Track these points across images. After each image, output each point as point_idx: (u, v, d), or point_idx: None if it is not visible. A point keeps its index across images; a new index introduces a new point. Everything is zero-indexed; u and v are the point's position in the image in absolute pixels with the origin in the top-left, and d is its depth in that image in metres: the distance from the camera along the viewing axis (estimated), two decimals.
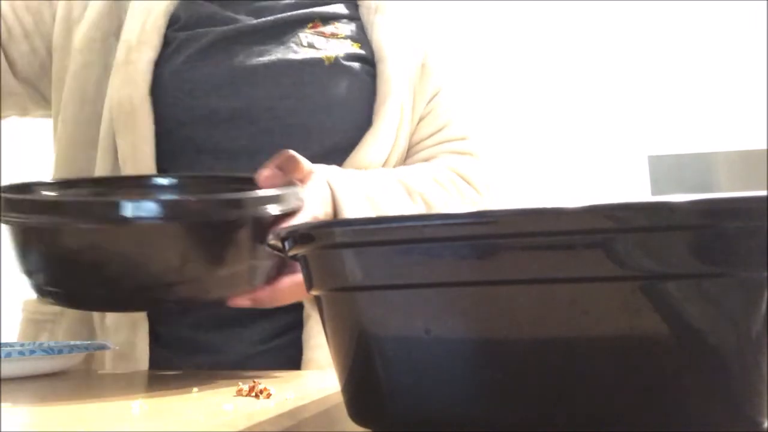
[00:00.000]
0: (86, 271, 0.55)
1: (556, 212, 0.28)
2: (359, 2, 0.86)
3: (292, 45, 0.80)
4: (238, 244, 0.57)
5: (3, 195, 0.55)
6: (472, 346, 0.30)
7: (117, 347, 0.72)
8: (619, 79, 2.60)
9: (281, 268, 0.62)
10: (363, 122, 0.80)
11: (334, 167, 0.73)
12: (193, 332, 0.75)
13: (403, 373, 0.32)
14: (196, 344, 0.75)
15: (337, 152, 0.78)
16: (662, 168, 2.55)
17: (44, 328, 0.79)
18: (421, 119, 0.86)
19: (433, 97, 0.86)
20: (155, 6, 0.81)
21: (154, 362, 0.73)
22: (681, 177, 2.53)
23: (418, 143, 0.86)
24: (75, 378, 0.64)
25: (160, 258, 0.55)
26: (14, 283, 0.62)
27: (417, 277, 0.31)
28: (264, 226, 0.57)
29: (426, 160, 0.85)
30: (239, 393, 0.48)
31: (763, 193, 0.27)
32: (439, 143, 0.85)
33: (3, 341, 0.70)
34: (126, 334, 0.73)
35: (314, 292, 0.36)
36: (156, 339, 0.74)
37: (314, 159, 0.77)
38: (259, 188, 0.62)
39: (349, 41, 0.83)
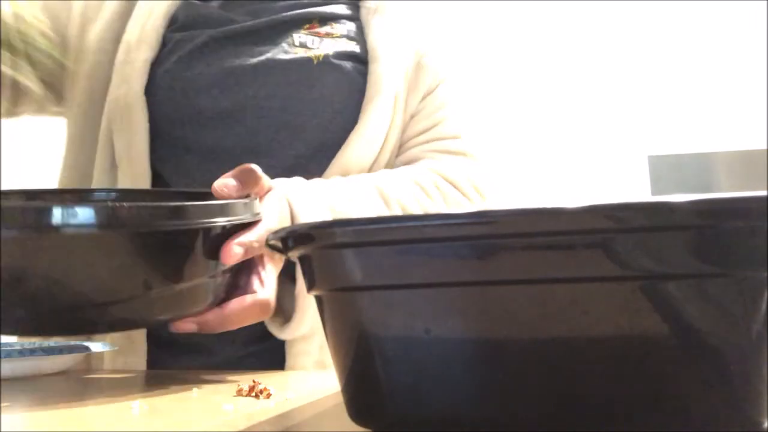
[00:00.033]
0: (2, 288, 0.46)
1: (556, 212, 0.28)
2: (360, 3, 0.86)
3: (284, 45, 0.80)
4: (182, 259, 0.51)
5: None
6: (472, 346, 0.30)
7: (117, 347, 0.72)
8: (619, 79, 2.60)
9: (231, 289, 0.57)
10: (351, 121, 0.79)
11: (297, 180, 0.70)
12: (187, 333, 0.74)
13: (403, 373, 0.32)
14: (189, 345, 0.75)
15: (324, 151, 0.78)
16: (662, 168, 2.55)
17: None
18: (412, 116, 0.84)
19: (427, 94, 0.85)
20: (156, 7, 0.82)
21: (149, 362, 0.73)
22: (681, 177, 2.53)
23: (408, 141, 0.84)
24: (75, 378, 0.64)
25: (89, 274, 0.48)
26: None
27: (417, 277, 0.31)
28: (212, 239, 0.52)
29: (415, 158, 0.82)
30: (239, 393, 0.48)
31: (763, 193, 0.27)
32: (429, 141, 0.83)
33: (3, 341, 0.70)
34: (125, 333, 0.73)
35: (314, 292, 0.36)
36: (149, 339, 0.74)
37: (301, 158, 0.77)
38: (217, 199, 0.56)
39: (344, 40, 0.82)
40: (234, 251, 0.54)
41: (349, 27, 0.84)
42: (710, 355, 0.28)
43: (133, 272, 0.49)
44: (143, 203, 0.49)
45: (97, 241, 0.47)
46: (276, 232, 0.36)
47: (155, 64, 0.79)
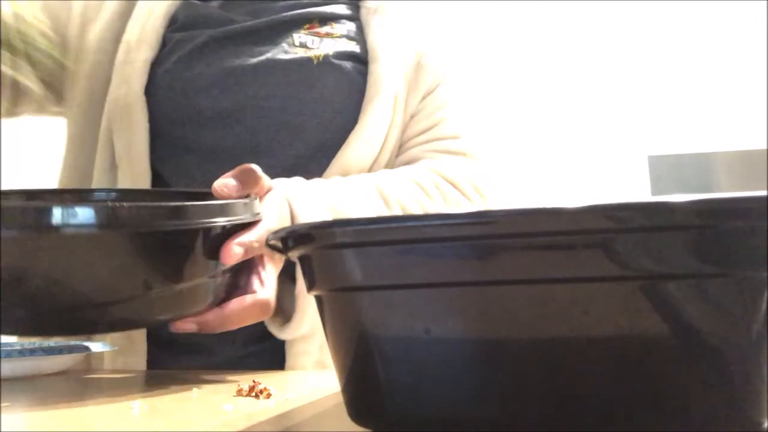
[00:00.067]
0: (2, 288, 0.46)
1: (556, 212, 0.28)
2: (360, 3, 0.86)
3: (284, 45, 0.79)
4: (182, 259, 0.51)
5: None
6: (472, 346, 0.30)
7: (117, 347, 0.72)
8: (619, 79, 2.60)
9: (231, 289, 0.57)
10: (351, 121, 0.79)
11: (297, 180, 0.70)
12: (187, 333, 0.74)
13: (403, 373, 0.32)
14: (189, 345, 0.75)
15: (324, 151, 0.78)
16: (662, 168, 2.55)
17: None
18: (412, 116, 0.84)
19: (427, 94, 0.85)
20: (156, 7, 0.82)
21: (149, 362, 0.73)
22: (681, 177, 2.54)
23: (408, 141, 0.83)
24: (75, 378, 0.64)
25: (89, 274, 0.48)
26: None
27: (417, 277, 0.31)
28: (212, 239, 0.52)
29: (415, 159, 0.82)
30: (239, 393, 0.48)
31: (763, 193, 0.27)
32: (430, 141, 0.83)
33: (3, 341, 0.70)
34: (125, 333, 0.73)
35: (314, 292, 0.36)
36: (149, 339, 0.74)
37: (301, 158, 0.77)
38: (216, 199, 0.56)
39: (344, 39, 0.82)
40: (234, 251, 0.54)
41: (349, 27, 0.84)
42: (710, 355, 0.28)
43: (133, 272, 0.49)
44: (143, 203, 0.49)
45: (97, 241, 0.47)
46: (276, 232, 0.36)
47: (155, 64, 0.79)
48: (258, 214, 0.58)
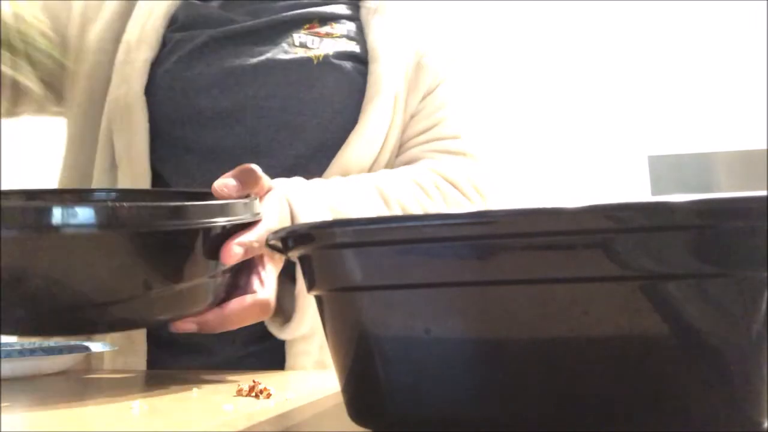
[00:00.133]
0: (2, 288, 0.46)
1: (556, 212, 0.28)
2: (360, 3, 0.86)
3: (284, 45, 0.80)
4: (182, 259, 0.51)
5: None
6: (472, 346, 0.30)
7: (117, 347, 0.72)
8: (619, 79, 2.60)
9: (231, 289, 0.57)
10: (351, 121, 0.79)
11: (297, 180, 0.70)
12: (187, 333, 0.74)
13: (403, 373, 0.32)
14: (189, 345, 0.75)
15: (324, 151, 0.78)
16: (662, 168, 2.55)
17: None
18: (412, 116, 0.84)
19: (427, 94, 0.85)
20: (156, 7, 0.82)
21: (149, 362, 0.73)
22: (681, 177, 2.54)
23: (408, 141, 0.83)
24: (75, 378, 0.64)
25: (89, 274, 0.48)
26: None
27: (417, 277, 0.31)
28: (212, 239, 0.52)
29: (415, 159, 0.82)
30: (239, 393, 0.48)
31: (763, 193, 0.27)
32: (430, 141, 0.83)
33: (3, 341, 0.70)
34: (125, 333, 0.73)
35: (314, 292, 0.36)
36: (149, 339, 0.74)
37: (301, 158, 0.77)
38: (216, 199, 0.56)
39: (344, 39, 0.82)
40: (234, 251, 0.54)
41: (349, 27, 0.84)
42: (710, 355, 0.28)
43: (133, 272, 0.49)
44: (143, 203, 0.49)
45: (97, 241, 0.47)
46: (276, 232, 0.36)
47: (155, 64, 0.79)
48: (258, 214, 0.58)
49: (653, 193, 2.54)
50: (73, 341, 0.72)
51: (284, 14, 0.81)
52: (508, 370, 0.30)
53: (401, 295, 0.31)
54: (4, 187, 0.69)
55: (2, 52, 0.78)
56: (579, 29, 2.63)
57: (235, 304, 0.57)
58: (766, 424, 0.29)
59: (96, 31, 0.83)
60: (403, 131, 0.84)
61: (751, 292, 0.28)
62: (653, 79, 2.59)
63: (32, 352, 0.62)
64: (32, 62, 0.82)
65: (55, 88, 0.86)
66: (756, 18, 2.56)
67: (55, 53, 0.84)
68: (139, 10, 0.83)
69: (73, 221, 0.45)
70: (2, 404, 0.45)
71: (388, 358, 0.32)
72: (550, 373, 0.29)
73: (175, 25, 0.81)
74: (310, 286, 0.36)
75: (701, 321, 0.28)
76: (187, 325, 0.55)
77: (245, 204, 0.56)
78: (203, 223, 0.51)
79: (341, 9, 0.85)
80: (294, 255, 0.37)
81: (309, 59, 0.79)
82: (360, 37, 0.83)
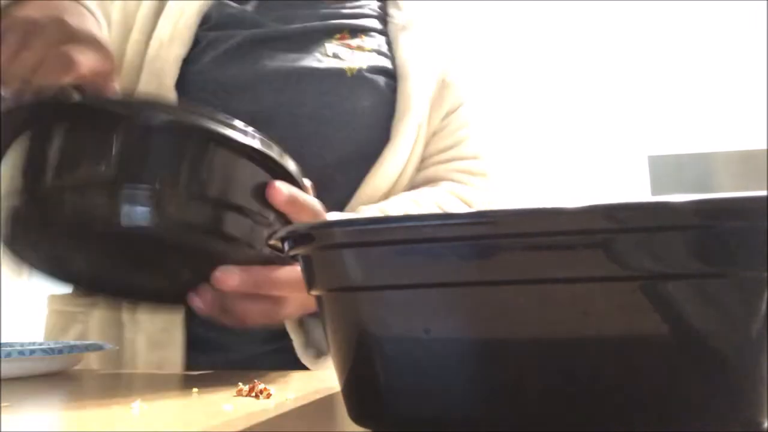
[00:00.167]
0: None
1: (555, 212, 0.28)
2: (389, 18, 0.87)
3: (317, 54, 0.80)
4: (257, 187, 0.56)
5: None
6: (472, 346, 0.30)
7: (117, 347, 0.72)
8: (619, 79, 2.60)
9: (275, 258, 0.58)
10: (379, 136, 0.81)
11: (333, 215, 0.72)
12: (205, 330, 0.74)
13: (403, 373, 0.32)
14: (208, 342, 0.75)
15: (350, 163, 0.79)
16: (662, 168, 2.55)
17: (76, 319, 0.79)
18: (434, 134, 0.87)
19: (450, 112, 0.87)
20: (188, 6, 0.82)
21: None
22: (681, 177, 2.54)
23: (429, 157, 0.86)
24: (75, 378, 0.64)
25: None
26: (11, 285, 0.62)
27: (417, 277, 0.31)
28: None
29: (436, 177, 0.85)
30: (239, 393, 0.48)
31: (763, 193, 0.27)
32: (450, 161, 0.86)
33: (3, 341, 0.70)
34: (162, 324, 0.73)
35: (314, 292, 0.36)
36: None
37: (328, 168, 0.78)
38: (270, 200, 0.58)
39: (375, 54, 0.84)
40: (280, 188, 0.56)
41: (379, 41, 0.85)
42: (710, 355, 0.28)
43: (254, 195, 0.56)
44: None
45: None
46: (276, 232, 0.36)
47: (187, 62, 0.79)
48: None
49: (653, 193, 2.54)
50: (72, 341, 0.72)
51: (315, 23, 0.82)
52: (507, 370, 0.30)
53: (401, 295, 0.31)
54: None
55: None
56: (579, 30, 2.63)
57: (290, 270, 0.57)
58: (766, 424, 0.29)
59: (134, 37, 0.83)
60: (425, 146, 0.86)
61: (751, 292, 0.28)
62: (653, 79, 2.60)
63: (32, 352, 0.62)
64: None
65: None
66: (756, 18, 2.56)
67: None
68: (170, 9, 0.82)
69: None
70: (2, 404, 0.45)
71: (388, 358, 0.32)
72: (549, 373, 0.29)
73: (208, 23, 0.82)
74: (310, 286, 0.36)
75: (701, 321, 0.28)
76: (230, 278, 0.55)
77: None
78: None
79: (370, 22, 0.86)
80: (294, 255, 0.37)
81: (343, 71, 0.79)
82: (389, 52, 0.85)
